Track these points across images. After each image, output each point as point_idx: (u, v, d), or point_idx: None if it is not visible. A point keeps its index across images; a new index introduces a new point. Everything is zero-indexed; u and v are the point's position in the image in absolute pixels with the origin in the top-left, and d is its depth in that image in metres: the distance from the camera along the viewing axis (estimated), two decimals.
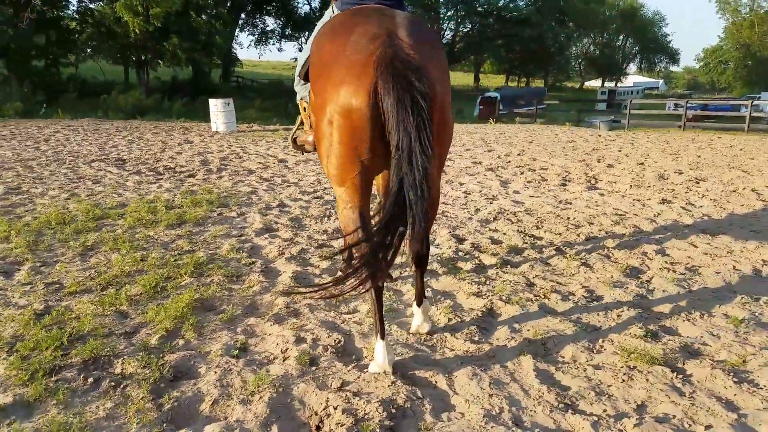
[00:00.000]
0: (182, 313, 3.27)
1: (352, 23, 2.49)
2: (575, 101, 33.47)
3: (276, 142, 12.84)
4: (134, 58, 26.85)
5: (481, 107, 32.07)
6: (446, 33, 54.55)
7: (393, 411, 2.41)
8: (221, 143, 12.45)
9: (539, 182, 7.88)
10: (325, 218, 5.68)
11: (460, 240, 5.01)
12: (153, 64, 26.56)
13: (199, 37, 24.41)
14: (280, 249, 4.55)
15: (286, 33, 45.61)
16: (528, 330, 3.20)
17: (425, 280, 3.17)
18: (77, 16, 27.69)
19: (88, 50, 28.03)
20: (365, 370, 2.72)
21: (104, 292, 3.62)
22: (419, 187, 2.15)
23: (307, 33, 46.55)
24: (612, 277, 4.06)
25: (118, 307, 3.42)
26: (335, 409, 2.40)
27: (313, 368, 2.75)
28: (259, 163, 9.48)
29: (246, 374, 2.68)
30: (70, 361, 2.75)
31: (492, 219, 5.77)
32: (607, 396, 2.56)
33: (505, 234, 5.19)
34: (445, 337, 3.12)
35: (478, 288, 3.82)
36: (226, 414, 2.40)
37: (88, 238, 4.82)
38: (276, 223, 5.43)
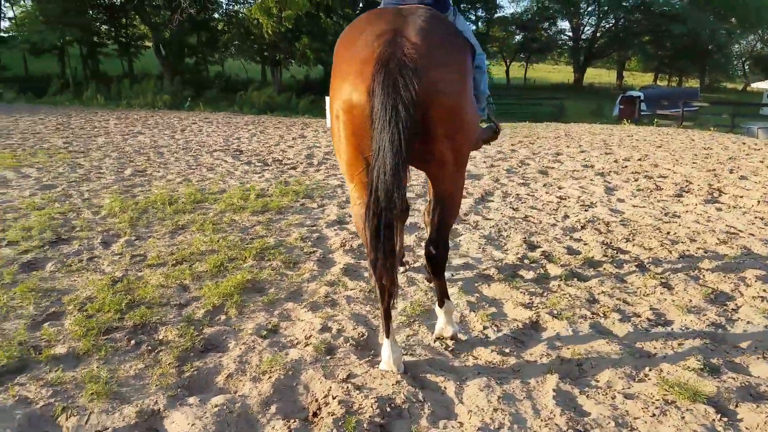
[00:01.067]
0: (231, 292, 3.54)
1: (366, 21, 2.55)
2: (728, 104, 30.02)
3: None
4: (269, 58, 28.84)
5: (621, 107, 30.05)
6: (585, 29, 51.85)
7: (388, 410, 2.43)
8: (331, 139, 12.99)
9: (650, 191, 7.28)
10: None
11: (532, 247, 4.82)
12: (286, 63, 28.32)
13: (327, 38, 25.56)
14: (343, 241, 4.72)
15: None
16: (568, 349, 3.03)
17: (447, 286, 3.06)
18: (225, 18, 30.42)
19: (232, 50, 30.60)
20: (376, 366, 2.77)
21: (175, 267, 4.02)
22: (387, 195, 2.23)
23: None
24: (690, 301, 3.68)
25: (182, 281, 3.79)
26: (333, 398, 2.49)
27: (328, 357, 2.86)
28: None
29: (265, 354, 2.85)
30: (123, 324, 3.11)
31: (579, 227, 5.46)
32: (627, 429, 2.37)
33: (586, 245, 4.90)
34: (474, 344, 3.06)
35: (530, 299, 3.68)
36: (236, 388, 2.58)
37: (183, 218, 5.34)
38: (349, 216, 5.61)
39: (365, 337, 3.09)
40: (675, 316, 3.46)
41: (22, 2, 29.65)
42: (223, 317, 3.28)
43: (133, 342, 2.93)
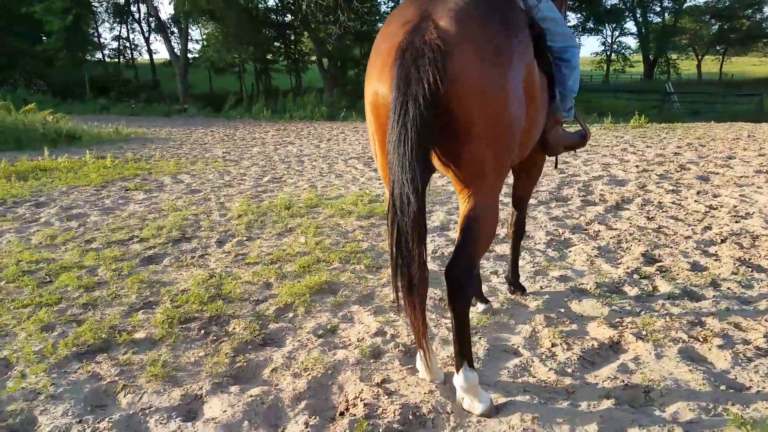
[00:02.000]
0: (304, 292, 3.77)
1: (398, 11, 2.42)
2: None
3: None
4: None
5: None
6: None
7: (410, 417, 2.44)
8: None
9: None
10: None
11: (651, 261, 4.40)
12: None
13: None
14: (436, 247, 4.73)
15: (587, 27, 44.10)
16: (641, 374, 2.75)
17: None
18: None
19: None
20: (417, 374, 2.77)
21: (267, 266, 4.38)
22: (400, 203, 2.14)
23: (609, 25, 44.08)
24: None
25: (267, 279, 4.12)
26: (361, 401, 2.55)
27: (372, 360, 2.92)
28: None
29: (314, 352, 3.01)
30: (201, 315, 3.50)
31: (718, 241, 4.85)
32: None
33: (717, 260, 4.35)
34: (533, 361, 2.91)
35: (621, 318, 3.38)
36: (277, 381, 2.77)
37: (293, 222, 5.78)
38: (454, 222, 5.59)
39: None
40: None
41: (206, 24, 33.99)
42: (290, 315, 3.52)
43: (202, 332, 3.28)
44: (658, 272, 4.14)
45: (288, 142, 13.87)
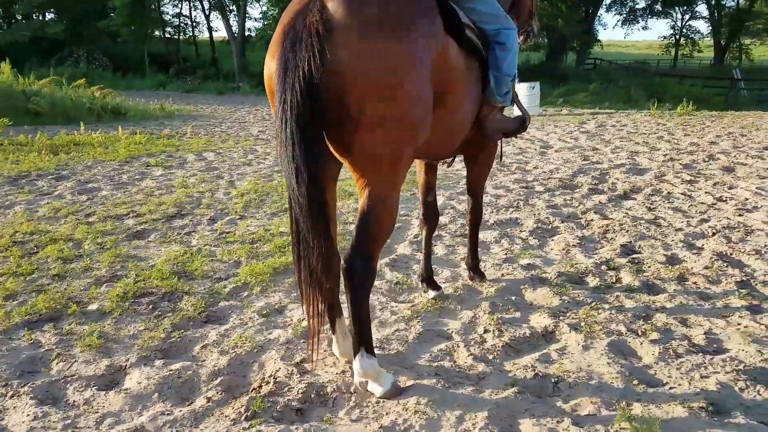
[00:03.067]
0: (266, 271, 3.88)
1: None
2: None
3: (561, 125, 12.41)
4: None
5: None
6: None
7: (312, 396, 2.52)
8: None
9: None
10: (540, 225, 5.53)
11: (628, 253, 4.30)
12: None
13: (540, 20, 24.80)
14: (416, 236, 4.76)
15: (655, 9, 42.19)
16: (559, 364, 2.73)
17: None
18: None
19: None
20: (333, 355, 2.84)
21: (244, 245, 4.50)
22: (292, 196, 2.18)
23: (679, 8, 41.98)
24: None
25: (238, 258, 4.25)
26: (274, 379, 2.64)
27: (302, 340, 3.00)
28: (514, 145, 9.47)
29: (250, 331, 3.12)
30: (156, 291, 3.66)
31: (709, 234, 4.67)
32: None
33: (697, 254, 4.20)
34: (458, 347, 2.93)
35: (566, 308, 3.34)
36: (204, 358, 2.89)
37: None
38: (451, 207, 5.58)
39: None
40: (732, 345, 2.86)
41: (268, 4, 34.21)
42: (244, 294, 3.64)
43: (150, 307, 3.43)
44: (630, 264, 4.04)
45: None
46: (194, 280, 3.84)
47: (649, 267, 3.99)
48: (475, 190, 3.62)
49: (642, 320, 3.16)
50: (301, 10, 2.14)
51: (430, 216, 3.54)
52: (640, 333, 3.02)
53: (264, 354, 2.90)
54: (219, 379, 2.67)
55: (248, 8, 34.83)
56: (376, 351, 2.83)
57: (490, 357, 2.83)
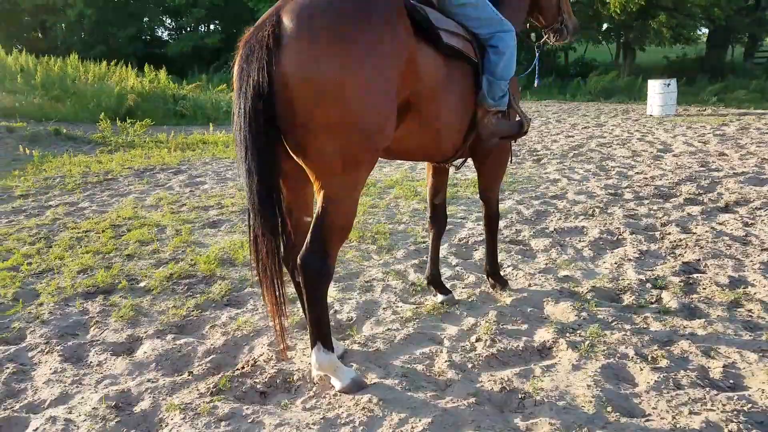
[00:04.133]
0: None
1: None
2: None
3: (696, 127, 11.29)
4: (619, 38, 27.28)
5: None
6: None
7: (278, 381, 2.68)
8: (630, 127, 11.92)
9: None
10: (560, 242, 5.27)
11: (688, 270, 3.96)
12: (638, 43, 26.25)
13: (692, 11, 22.66)
14: (462, 238, 4.72)
15: None
16: (539, 381, 2.61)
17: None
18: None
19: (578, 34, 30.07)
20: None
21: None
22: (249, 198, 2.34)
23: None
24: None
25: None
26: (254, 363, 2.84)
27: (296, 329, 3.18)
28: (626, 147, 8.85)
29: (255, 317, 3.35)
30: (197, 274, 4.03)
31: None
32: None
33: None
34: (441, 352, 2.91)
35: (579, 326, 3.16)
36: (208, 336, 3.16)
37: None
38: (473, 213, 5.44)
39: (352, 320, 3.29)
40: (752, 383, 2.55)
41: None
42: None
43: (186, 288, 3.80)
44: (682, 283, 3.68)
45: None
46: (233, 268, 4.16)
47: (703, 289, 3.62)
48: (487, 194, 3.54)
49: (658, 345, 2.90)
50: (260, 26, 2.30)
51: (438, 218, 3.54)
52: (649, 359, 2.78)
53: (257, 338, 3.11)
54: (210, 357, 2.92)
55: None
56: (359, 348, 2.94)
57: (469, 366, 2.78)
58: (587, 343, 2.93)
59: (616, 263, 4.14)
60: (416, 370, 2.74)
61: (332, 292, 3.67)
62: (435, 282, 3.55)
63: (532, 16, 3.75)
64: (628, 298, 3.52)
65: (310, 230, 2.45)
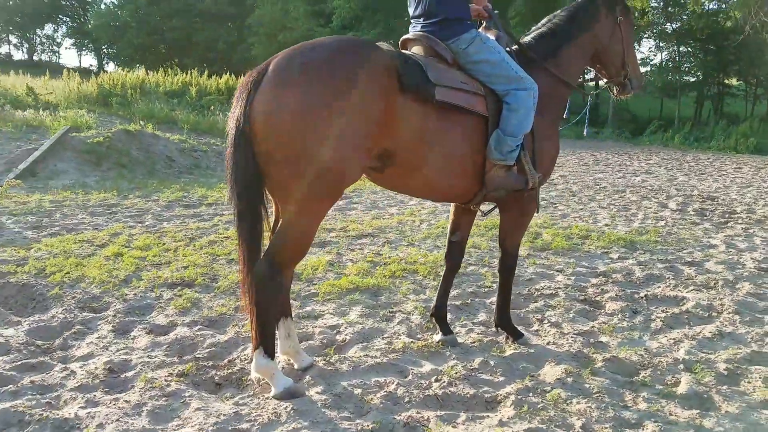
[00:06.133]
0: (343, 287, 4.49)
1: None
2: None
3: None
4: None
5: None
6: None
7: (233, 377, 3.11)
8: None
9: None
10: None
11: (757, 361, 3.37)
12: None
13: None
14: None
15: None
16: (460, 428, 2.62)
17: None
18: None
19: None
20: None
21: (363, 263, 5.16)
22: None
23: None
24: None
25: (349, 272, 4.93)
26: (236, 359, 3.32)
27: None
28: None
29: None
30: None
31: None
32: None
33: None
34: (386, 385, 3.03)
35: (550, 389, 3.00)
36: (224, 331, 3.71)
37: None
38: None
39: (345, 341, 3.59)
40: None
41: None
42: (312, 298, 4.33)
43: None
44: (726, 371, 3.19)
45: (634, 170, 13.19)
46: (296, 281, 4.69)
47: (748, 382, 3.10)
48: (506, 242, 3.54)
49: (622, 424, 2.65)
50: (255, 69, 2.76)
51: (453, 255, 3.66)
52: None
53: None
54: (211, 348, 3.47)
55: None
56: (324, 365, 3.23)
57: (405, 401, 2.87)
58: (539, 406, 2.80)
59: (672, 339, 3.71)
60: (352, 394, 2.93)
61: (353, 316, 3.99)
62: (438, 318, 3.65)
63: (594, 68, 3.84)
64: (640, 377, 3.19)
65: (269, 242, 2.83)
